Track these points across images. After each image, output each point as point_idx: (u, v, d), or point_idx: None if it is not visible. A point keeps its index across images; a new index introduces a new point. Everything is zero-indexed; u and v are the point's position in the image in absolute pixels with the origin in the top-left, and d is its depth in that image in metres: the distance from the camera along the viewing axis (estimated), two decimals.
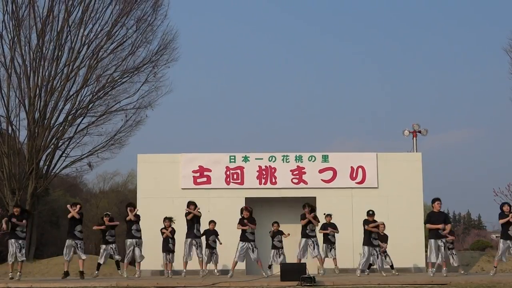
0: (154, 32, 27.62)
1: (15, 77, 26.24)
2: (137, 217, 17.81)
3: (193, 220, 17.89)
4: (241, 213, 17.57)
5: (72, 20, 26.58)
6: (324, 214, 18.91)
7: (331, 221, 18.91)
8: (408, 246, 21.02)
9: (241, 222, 17.23)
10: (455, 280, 14.72)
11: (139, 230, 17.82)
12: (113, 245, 18.28)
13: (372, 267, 18.40)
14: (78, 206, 17.34)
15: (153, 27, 27.59)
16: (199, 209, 17.94)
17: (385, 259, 18.35)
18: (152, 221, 19.34)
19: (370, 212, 17.66)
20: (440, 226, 16.10)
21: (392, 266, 18.46)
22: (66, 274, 17.15)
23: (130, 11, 27.04)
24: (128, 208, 17.94)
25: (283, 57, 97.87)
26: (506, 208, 16.53)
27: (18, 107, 26.42)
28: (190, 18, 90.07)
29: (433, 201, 16.71)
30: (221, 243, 18.55)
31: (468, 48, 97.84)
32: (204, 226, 18.37)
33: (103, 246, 18.35)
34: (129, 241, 17.68)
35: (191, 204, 17.94)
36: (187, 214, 17.82)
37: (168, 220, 18.65)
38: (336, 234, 18.86)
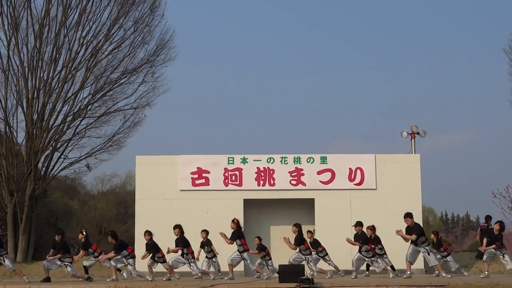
0: (152, 33, 27.62)
1: (13, 78, 26.21)
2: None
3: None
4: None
5: (70, 22, 26.56)
6: (308, 231, 18.92)
7: (314, 237, 18.93)
8: (406, 247, 20.97)
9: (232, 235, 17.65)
10: (453, 282, 14.74)
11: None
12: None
13: (370, 268, 18.52)
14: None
15: (151, 27, 27.56)
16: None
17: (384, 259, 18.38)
18: (150, 222, 19.33)
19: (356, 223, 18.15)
20: (413, 237, 16.85)
21: (393, 267, 18.51)
22: (47, 279, 17.07)
23: (127, 12, 27.02)
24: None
25: (281, 58, 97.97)
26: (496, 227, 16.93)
27: (16, 109, 26.41)
28: (187, 18, 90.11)
29: (405, 216, 17.14)
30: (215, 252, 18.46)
31: (467, 49, 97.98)
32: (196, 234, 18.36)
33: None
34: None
35: (175, 227, 17.82)
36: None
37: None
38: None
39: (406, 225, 17.09)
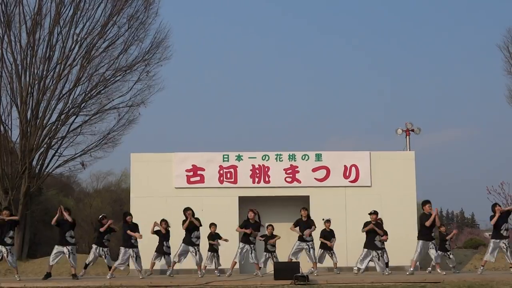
0: (146, 30, 27.58)
1: (6, 75, 26.13)
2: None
3: (189, 227, 17.76)
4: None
5: (63, 19, 26.49)
6: (323, 219, 18.91)
7: (330, 227, 19.01)
8: (401, 244, 21.01)
9: (245, 225, 17.44)
10: (448, 279, 14.80)
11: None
12: (106, 249, 18.43)
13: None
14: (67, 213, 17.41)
15: (145, 25, 27.53)
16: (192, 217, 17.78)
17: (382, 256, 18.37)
18: (145, 220, 19.29)
19: (373, 211, 17.90)
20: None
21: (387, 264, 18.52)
22: (48, 275, 17.07)
23: (121, 9, 26.97)
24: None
25: (277, 55, 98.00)
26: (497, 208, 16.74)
27: (10, 106, 26.33)
28: (183, 16, 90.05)
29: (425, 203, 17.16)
30: (226, 240, 18.48)
31: (463, 47, 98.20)
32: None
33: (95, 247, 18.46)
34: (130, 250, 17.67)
35: (188, 210, 17.82)
36: (183, 222, 17.72)
37: (165, 222, 18.48)
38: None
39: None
